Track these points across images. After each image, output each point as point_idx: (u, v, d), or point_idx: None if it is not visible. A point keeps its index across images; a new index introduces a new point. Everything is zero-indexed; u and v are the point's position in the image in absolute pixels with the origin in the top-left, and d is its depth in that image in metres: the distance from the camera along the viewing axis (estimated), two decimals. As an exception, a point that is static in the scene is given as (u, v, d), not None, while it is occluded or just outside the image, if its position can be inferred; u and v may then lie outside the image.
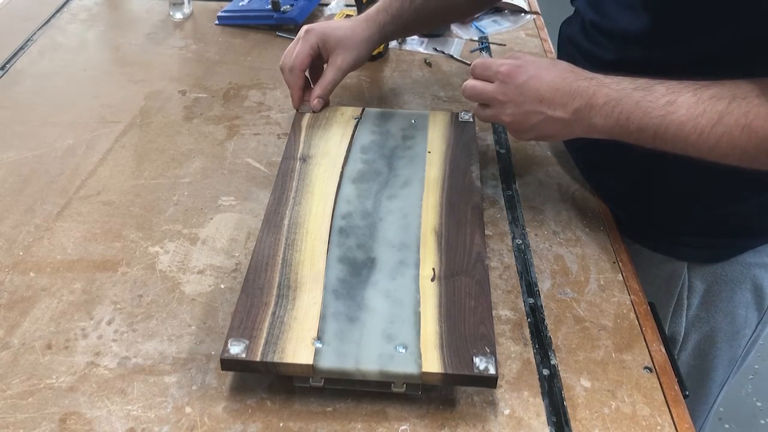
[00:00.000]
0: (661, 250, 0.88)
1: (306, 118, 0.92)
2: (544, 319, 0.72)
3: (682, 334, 0.91)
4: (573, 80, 0.73)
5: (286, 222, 0.74)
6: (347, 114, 0.93)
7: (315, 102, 0.93)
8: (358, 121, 0.92)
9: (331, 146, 0.87)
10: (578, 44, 0.87)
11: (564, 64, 0.76)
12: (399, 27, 0.97)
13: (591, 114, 0.72)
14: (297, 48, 0.92)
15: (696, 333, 0.92)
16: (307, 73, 0.95)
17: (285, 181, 0.80)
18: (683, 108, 0.67)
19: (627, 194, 0.87)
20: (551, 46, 1.24)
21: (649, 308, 0.74)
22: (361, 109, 0.94)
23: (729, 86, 0.66)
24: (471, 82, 0.80)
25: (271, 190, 0.79)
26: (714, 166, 0.69)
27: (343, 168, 0.83)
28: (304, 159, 0.84)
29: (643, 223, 0.88)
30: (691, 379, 0.93)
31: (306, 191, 0.79)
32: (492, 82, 0.78)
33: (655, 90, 0.69)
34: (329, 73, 0.93)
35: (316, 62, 0.95)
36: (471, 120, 0.92)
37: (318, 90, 0.93)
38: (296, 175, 0.82)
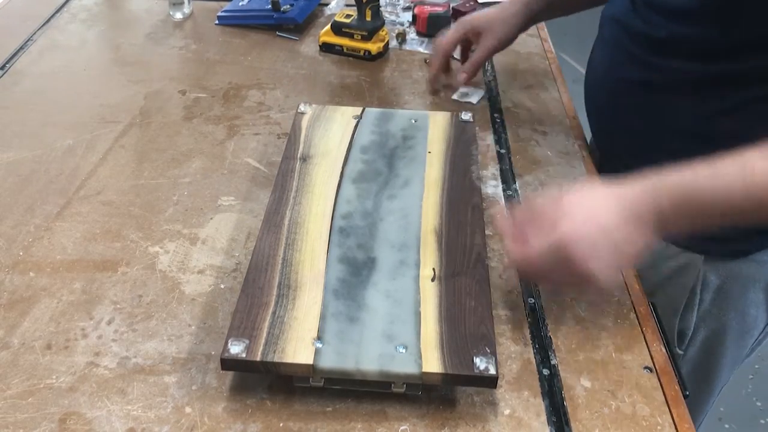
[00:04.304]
0: (679, 242, 0.87)
1: (306, 118, 0.92)
2: (545, 319, 0.72)
3: (692, 329, 0.90)
4: (630, 231, 0.62)
5: (286, 222, 0.74)
6: (347, 114, 0.93)
7: (462, 76, 1.02)
8: (358, 121, 0.92)
9: (331, 146, 0.87)
10: (625, 23, 0.84)
11: (604, 216, 0.63)
12: (545, 3, 0.99)
13: (664, 223, 0.63)
14: (446, 35, 1.01)
15: (705, 329, 0.90)
16: (459, 55, 1.07)
17: (285, 181, 0.80)
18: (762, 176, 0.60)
19: None
20: (551, 46, 1.24)
21: (649, 308, 0.74)
22: (361, 109, 0.94)
23: None
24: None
25: (272, 190, 0.79)
26: None
27: (343, 168, 0.83)
28: (305, 159, 0.84)
29: None
30: (696, 375, 0.93)
31: (306, 191, 0.79)
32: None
33: (726, 174, 0.61)
34: (476, 54, 1.01)
35: (465, 48, 1.06)
36: (471, 120, 0.92)
37: (466, 66, 1.02)
38: (296, 174, 0.82)
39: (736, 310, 0.88)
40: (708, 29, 0.73)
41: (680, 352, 0.91)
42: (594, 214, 0.62)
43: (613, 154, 0.92)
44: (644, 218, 0.62)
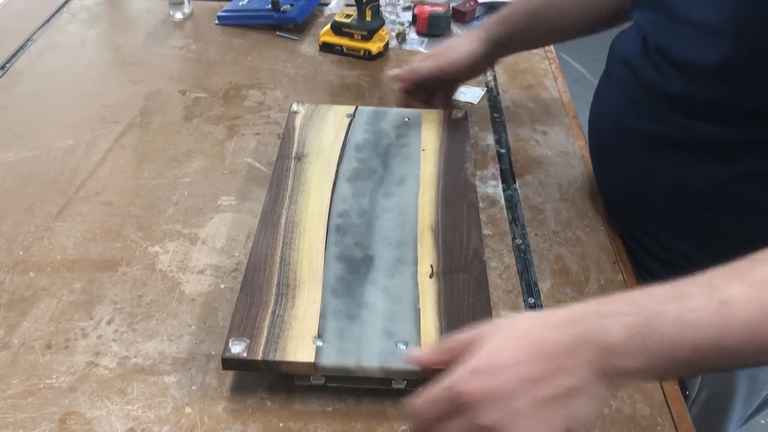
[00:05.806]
0: None
1: (299, 117, 0.92)
2: (544, 318, 0.72)
3: (696, 391, 0.84)
4: (563, 336, 0.48)
5: (282, 221, 0.74)
6: (340, 113, 0.93)
7: (395, 72, 0.97)
8: (351, 120, 0.92)
9: (325, 145, 0.87)
10: (636, 68, 0.76)
11: (526, 321, 0.50)
12: (512, 29, 0.91)
13: (613, 358, 0.47)
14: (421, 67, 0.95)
15: (709, 389, 0.84)
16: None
17: (281, 180, 0.80)
18: (740, 303, 0.46)
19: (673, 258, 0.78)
20: (551, 46, 1.24)
21: None
22: (354, 107, 0.94)
23: None
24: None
25: (267, 189, 0.79)
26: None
27: (338, 166, 0.83)
28: (299, 158, 0.84)
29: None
30: None
31: (302, 190, 0.79)
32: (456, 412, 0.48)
33: (692, 296, 0.47)
34: (421, 63, 0.95)
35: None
36: (463, 117, 0.93)
37: (406, 69, 0.95)
38: (291, 173, 0.82)
39: (744, 374, 0.82)
40: (730, 90, 0.65)
41: None
42: (505, 353, 0.46)
43: (615, 200, 0.85)
44: (582, 349, 0.47)
